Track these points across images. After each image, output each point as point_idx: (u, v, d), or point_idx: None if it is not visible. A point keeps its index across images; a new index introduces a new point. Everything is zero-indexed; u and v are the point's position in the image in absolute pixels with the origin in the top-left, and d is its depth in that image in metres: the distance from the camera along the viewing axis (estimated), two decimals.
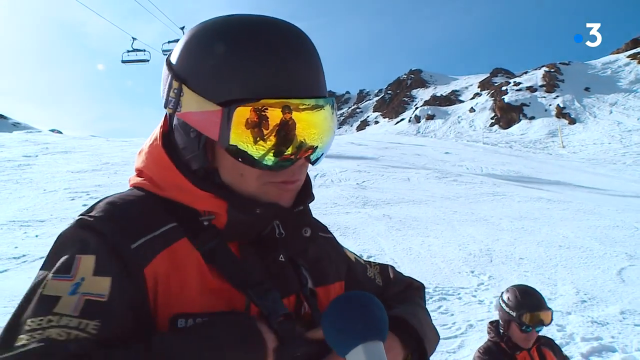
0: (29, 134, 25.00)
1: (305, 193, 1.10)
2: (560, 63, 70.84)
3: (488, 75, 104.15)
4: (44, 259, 0.90)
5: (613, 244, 9.69)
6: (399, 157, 22.34)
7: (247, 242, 1.03)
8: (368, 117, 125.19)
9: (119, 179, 12.76)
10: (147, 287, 0.88)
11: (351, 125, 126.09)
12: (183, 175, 0.99)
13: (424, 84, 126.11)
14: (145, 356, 0.77)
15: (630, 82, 57.82)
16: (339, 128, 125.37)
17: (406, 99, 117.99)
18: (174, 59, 1.00)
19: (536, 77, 68.89)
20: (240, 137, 0.90)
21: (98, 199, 0.99)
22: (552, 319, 3.12)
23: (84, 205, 10.13)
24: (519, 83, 69.33)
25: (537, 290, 3.23)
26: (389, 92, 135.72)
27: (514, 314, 3.08)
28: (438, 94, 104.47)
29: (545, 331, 3.28)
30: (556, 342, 3.41)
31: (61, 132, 34.31)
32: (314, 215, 1.14)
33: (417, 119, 71.66)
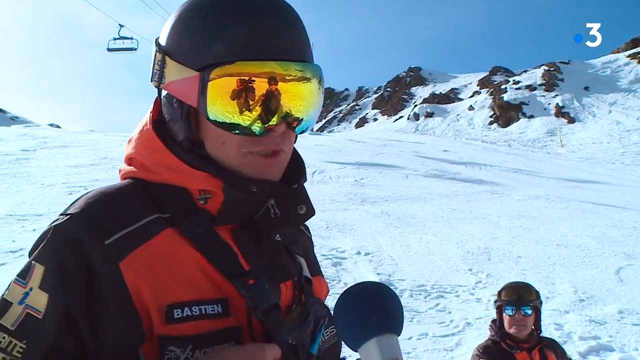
0: (27, 128, 24.95)
1: (299, 172, 1.08)
2: (559, 62, 70.90)
3: (487, 73, 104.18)
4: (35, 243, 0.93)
5: (611, 243, 9.70)
6: (397, 154, 22.32)
7: (240, 226, 1.01)
8: (367, 114, 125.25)
9: (117, 173, 12.70)
10: (126, 280, 0.86)
11: (350, 122, 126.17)
12: (175, 155, 0.98)
13: (423, 81, 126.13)
14: None
15: (629, 81, 57.88)
16: (338, 125, 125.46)
17: (405, 97, 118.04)
18: (161, 37, 1.01)
19: (535, 75, 68.93)
20: (216, 100, 0.90)
21: (81, 195, 0.98)
22: (537, 298, 3.15)
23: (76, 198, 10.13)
24: (519, 82, 69.35)
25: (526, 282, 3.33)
26: (388, 89, 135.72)
27: (496, 297, 3.25)
28: (437, 92, 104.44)
29: (543, 330, 3.27)
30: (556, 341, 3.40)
31: (59, 127, 33.90)
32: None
33: (416, 117, 71.67)
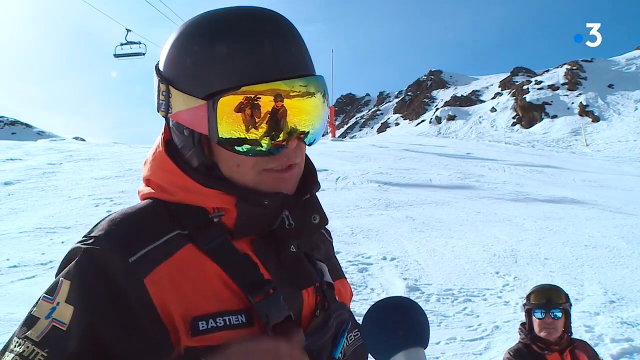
0: (53, 142, 25.29)
1: (312, 182, 1.10)
2: (582, 60, 69.97)
3: (509, 74, 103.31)
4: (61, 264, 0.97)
5: None
6: (420, 158, 22.22)
7: (258, 237, 1.04)
8: (388, 119, 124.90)
9: (141, 184, 12.83)
10: (152, 296, 0.88)
11: (372, 128, 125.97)
12: (188, 176, 1.00)
13: (444, 84, 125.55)
14: None
15: None
16: (360, 130, 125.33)
17: (426, 100, 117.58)
18: (160, 64, 1.03)
19: (558, 75, 68.13)
20: (226, 126, 0.92)
21: (103, 217, 1.01)
22: (567, 300, 3.13)
23: (108, 211, 10.24)
24: (541, 82, 68.59)
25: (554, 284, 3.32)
26: (409, 93, 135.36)
27: (524, 300, 3.23)
28: (458, 95, 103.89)
29: (574, 332, 3.24)
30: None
31: (84, 140, 34.40)
32: (336, 218, 1.14)
33: (438, 120, 71.28)
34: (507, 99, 69.56)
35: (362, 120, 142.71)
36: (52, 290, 0.90)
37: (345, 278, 1.26)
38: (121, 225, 0.96)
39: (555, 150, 36.05)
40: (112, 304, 0.87)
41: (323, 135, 1.08)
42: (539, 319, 3.08)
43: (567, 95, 60.56)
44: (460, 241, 9.63)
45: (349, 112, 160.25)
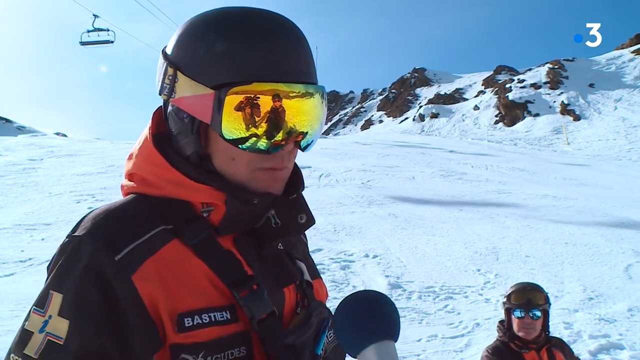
0: (33, 138, 25.06)
1: (297, 182, 1.12)
2: (564, 59, 70.67)
3: (492, 72, 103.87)
4: (48, 268, 0.95)
5: (619, 240, 9.67)
6: (403, 155, 22.30)
7: (241, 235, 1.04)
8: (372, 116, 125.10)
9: (124, 181, 12.75)
10: (140, 292, 0.88)
11: (355, 125, 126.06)
12: (178, 170, 1.00)
13: (427, 82, 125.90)
14: None
15: (634, 77, 57.67)
16: (344, 128, 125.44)
17: (410, 98, 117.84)
18: (169, 49, 1.02)
19: (540, 74, 68.73)
20: (231, 119, 0.92)
21: (85, 214, 1.00)
22: (547, 301, 3.14)
23: (89, 208, 10.17)
24: (523, 80, 69.16)
25: (535, 283, 3.30)
26: (392, 91, 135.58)
27: (504, 299, 3.20)
28: (442, 93, 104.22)
29: (552, 328, 3.27)
30: (563, 339, 3.40)
31: (66, 135, 33.77)
32: (319, 215, 1.16)
33: (422, 118, 71.62)
34: (490, 97, 70.09)
35: (346, 117, 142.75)
36: (41, 303, 0.89)
37: (321, 278, 1.26)
38: (104, 223, 0.94)
39: (537, 148, 36.41)
40: (106, 308, 0.87)
41: None
42: (518, 318, 3.10)
43: (549, 94, 61.13)
44: (442, 239, 9.68)
45: (332, 109, 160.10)
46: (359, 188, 14.27)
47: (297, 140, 0.99)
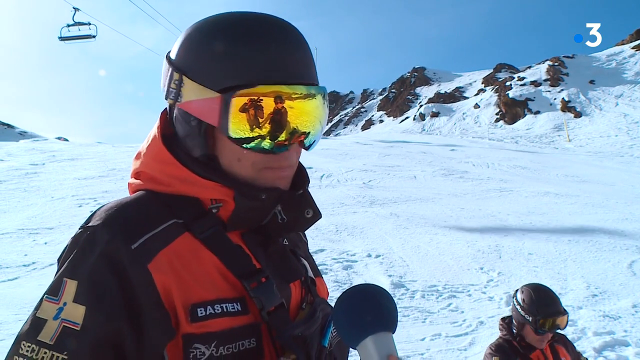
0: (35, 143, 25.08)
1: (302, 178, 1.14)
2: (564, 56, 70.54)
3: (492, 71, 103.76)
4: (59, 260, 0.96)
5: (622, 237, 9.66)
6: (404, 155, 22.30)
7: (249, 230, 1.07)
8: (373, 116, 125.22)
9: (125, 184, 12.66)
10: (156, 281, 0.90)
11: (356, 125, 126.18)
12: (186, 167, 1.02)
13: (427, 81, 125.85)
14: None
15: (635, 73, 57.52)
16: (344, 128, 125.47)
17: (410, 97, 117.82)
18: (173, 54, 1.05)
19: (540, 71, 68.60)
20: (238, 121, 0.95)
21: (97, 207, 1.02)
22: (567, 323, 3.08)
23: (91, 211, 10.17)
24: (523, 78, 69.04)
25: (551, 290, 3.15)
26: (392, 90, 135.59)
27: (529, 318, 3.02)
28: (442, 91, 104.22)
29: None
30: (568, 337, 3.39)
31: (67, 140, 33.81)
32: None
33: (422, 117, 71.59)
34: (490, 96, 70.01)
35: (346, 117, 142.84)
36: (55, 291, 0.90)
37: (322, 277, 1.29)
38: (118, 213, 0.96)
39: (539, 146, 36.38)
40: (121, 295, 0.88)
41: None
42: (540, 334, 3.04)
43: (549, 91, 61.02)
44: (444, 237, 9.68)
45: (333, 110, 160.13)
46: (361, 188, 14.27)
47: (301, 140, 1.02)
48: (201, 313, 0.91)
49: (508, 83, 69.56)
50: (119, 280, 0.88)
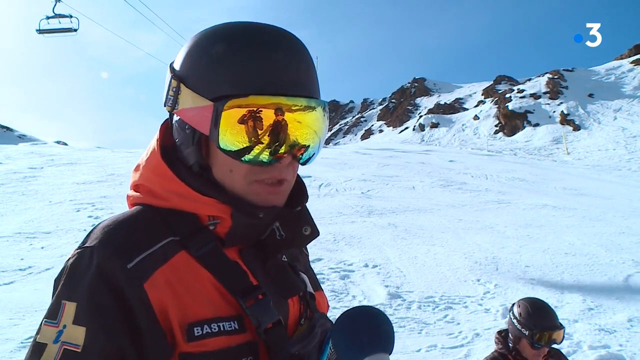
0: (34, 146, 25.07)
1: (301, 194, 1.14)
2: (563, 70, 70.78)
3: (492, 82, 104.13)
4: (56, 281, 0.95)
5: (619, 250, 9.66)
6: (403, 165, 22.31)
7: (247, 246, 1.06)
8: (372, 125, 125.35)
9: (124, 190, 12.73)
10: (152, 301, 0.90)
11: (355, 134, 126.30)
12: (185, 183, 1.02)
13: (427, 92, 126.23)
14: None
15: (634, 87, 57.70)
16: (344, 137, 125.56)
17: (410, 108, 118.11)
18: (176, 63, 1.06)
19: (540, 84, 68.80)
20: (228, 131, 0.94)
21: (94, 226, 1.02)
22: (564, 337, 3.08)
23: (89, 216, 10.18)
24: (523, 90, 69.22)
25: (548, 305, 3.14)
26: (392, 100, 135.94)
27: (526, 332, 3.01)
28: (442, 102, 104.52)
29: None
30: (563, 351, 3.39)
31: (66, 144, 33.63)
32: (319, 225, 1.17)
33: (422, 127, 71.64)
34: (490, 107, 70.15)
35: (346, 127, 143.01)
36: (53, 314, 0.89)
37: (322, 290, 1.28)
38: (115, 232, 0.96)
39: (537, 158, 36.42)
40: (120, 314, 0.88)
41: None
42: (536, 349, 3.04)
43: (548, 104, 61.17)
44: (442, 249, 9.67)
45: (332, 119, 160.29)
46: (359, 198, 14.27)
47: (299, 153, 1.01)
48: (198, 332, 0.91)
49: (508, 95, 69.75)
50: (117, 299, 0.88)
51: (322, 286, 1.27)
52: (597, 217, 12.91)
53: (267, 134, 0.95)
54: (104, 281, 0.89)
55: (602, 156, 35.78)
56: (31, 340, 0.90)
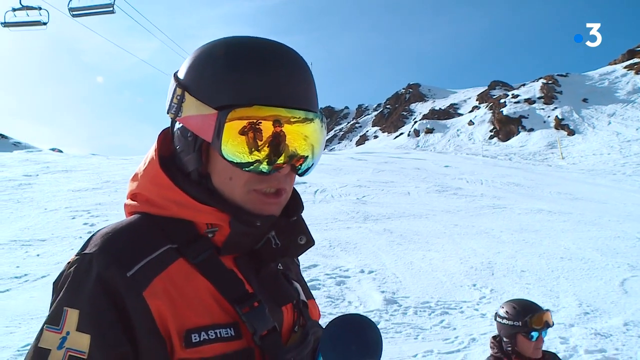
0: (29, 153, 25.01)
1: (297, 205, 1.17)
2: (557, 75, 71.01)
3: (486, 88, 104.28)
4: (55, 285, 0.97)
5: (615, 255, 9.68)
6: (398, 171, 22.33)
7: (242, 254, 1.08)
8: (367, 131, 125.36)
9: (119, 197, 12.75)
10: (151, 308, 0.91)
11: (350, 140, 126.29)
12: (183, 191, 1.03)
13: (422, 97, 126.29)
14: None
15: (627, 92, 57.88)
16: (339, 143, 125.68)
17: (405, 113, 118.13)
18: (180, 73, 1.08)
19: (534, 89, 68.98)
20: (231, 139, 0.97)
21: (93, 233, 1.03)
22: (553, 322, 3.14)
23: (85, 224, 10.16)
24: (517, 95, 69.37)
25: (529, 299, 3.26)
26: (387, 106, 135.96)
27: (519, 323, 3.07)
28: (437, 108, 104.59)
29: (548, 343, 3.28)
30: (560, 354, 3.40)
31: (61, 151, 33.55)
32: (314, 231, 1.18)
33: (416, 133, 71.75)
34: (484, 113, 70.27)
35: (341, 133, 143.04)
36: (55, 320, 0.90)
37: (314, 299, 1.30)
38: (114, 240, 0.97)
39: (532, 163, 36.50)
40: (121, 323, 0.89)
41: None
42: (534, 340, 3.06)
43: (543, 109, 61.31)
44: (437, 254, 9.68)
45: (327, 125, 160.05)
46: (355, 203, 14.28)
47: (297, 163, 1.04)
48: (195, 339, 0.92)
49: (502, 100, 69.90)
50: (117, 309, 0.89)
51: (318, 292, 1.29)
52: (592, 222, 12.94)
53: (267, 145, 0.98)
54: (105, 290, 0.90)
55: (597, 161, 35.89)
56: (29, 347, 0.91)
